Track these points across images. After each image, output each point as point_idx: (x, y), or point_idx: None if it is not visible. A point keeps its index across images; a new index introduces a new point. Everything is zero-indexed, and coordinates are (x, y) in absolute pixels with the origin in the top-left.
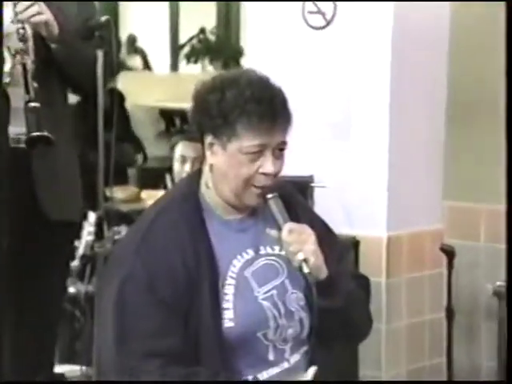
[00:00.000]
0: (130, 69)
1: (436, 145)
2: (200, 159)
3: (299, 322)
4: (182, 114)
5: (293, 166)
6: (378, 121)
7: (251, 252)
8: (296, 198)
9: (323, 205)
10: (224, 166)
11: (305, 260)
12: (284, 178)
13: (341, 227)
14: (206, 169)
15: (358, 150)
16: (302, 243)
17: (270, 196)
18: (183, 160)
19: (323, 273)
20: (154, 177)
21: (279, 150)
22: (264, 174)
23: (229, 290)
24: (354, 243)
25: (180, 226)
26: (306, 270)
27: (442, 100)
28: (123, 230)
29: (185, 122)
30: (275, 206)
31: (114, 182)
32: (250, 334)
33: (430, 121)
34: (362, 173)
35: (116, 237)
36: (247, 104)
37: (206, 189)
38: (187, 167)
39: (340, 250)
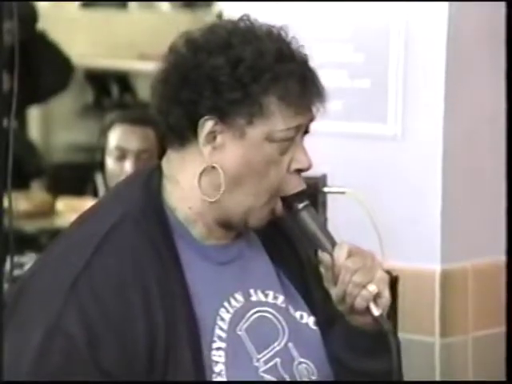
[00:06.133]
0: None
1: None
2: (150, 154)
3: None
4: (121, 77)
5: None
6: (430, 92)
7: (240, 298)
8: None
9: (341, 220)
10: (239, 165)
11: (375, 296)
12: None
13: None
14: (181, 177)
15: (397, 138)
16: (370, 270)
17: (301, 206)
18: (121, 154)
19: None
20: (75, 177)
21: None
22: (299, 170)
23: (218, 357)
24: (391, 280)
25: (141, 254)
26: (376, 312)
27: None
28: (29, 260)
29: (126, 91)
30: (310, 218)
31: (13, 185)
32: None
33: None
34: (402, 172)
35: (17, 272)
36: (279, 64)
37: (174, 199)
38: (127, 166)
39: None
